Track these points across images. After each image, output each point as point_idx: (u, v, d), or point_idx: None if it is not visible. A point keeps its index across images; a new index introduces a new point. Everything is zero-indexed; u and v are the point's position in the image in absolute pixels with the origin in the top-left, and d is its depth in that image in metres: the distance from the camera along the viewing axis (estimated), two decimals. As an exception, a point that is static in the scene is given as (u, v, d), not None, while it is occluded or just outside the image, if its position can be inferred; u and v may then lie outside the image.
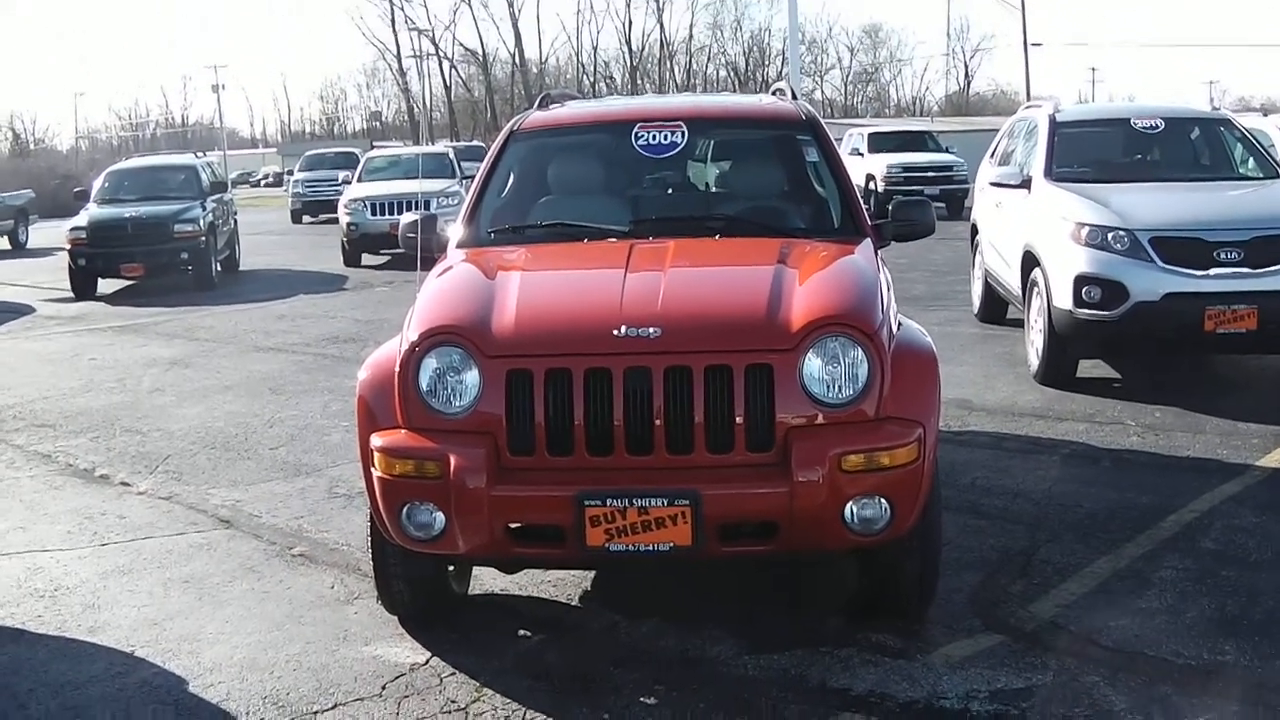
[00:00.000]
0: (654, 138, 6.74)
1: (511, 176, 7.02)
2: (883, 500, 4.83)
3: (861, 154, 32.76)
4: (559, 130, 7.29)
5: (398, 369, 5.06)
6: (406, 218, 6.81)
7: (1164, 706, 4.73)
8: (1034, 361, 10.77)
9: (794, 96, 7.79)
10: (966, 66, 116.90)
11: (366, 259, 24.04)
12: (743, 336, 4.89)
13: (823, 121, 7.23)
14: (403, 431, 5.01)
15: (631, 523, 4.70)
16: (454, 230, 6.65)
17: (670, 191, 7.18)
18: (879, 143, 34.24)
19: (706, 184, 7.62)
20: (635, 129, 6.79)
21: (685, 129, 6.79)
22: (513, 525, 4.88)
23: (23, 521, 7.67)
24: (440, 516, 4.88)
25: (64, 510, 7.89)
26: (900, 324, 5.45)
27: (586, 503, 4.70)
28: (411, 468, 4.89)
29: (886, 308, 5.29)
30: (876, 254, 6.07)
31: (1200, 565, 6.23)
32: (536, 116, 7.35)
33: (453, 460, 4.78)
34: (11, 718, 4.95)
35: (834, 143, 7.08)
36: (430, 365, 4.99)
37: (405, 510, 4.95)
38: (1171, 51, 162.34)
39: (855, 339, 4.90)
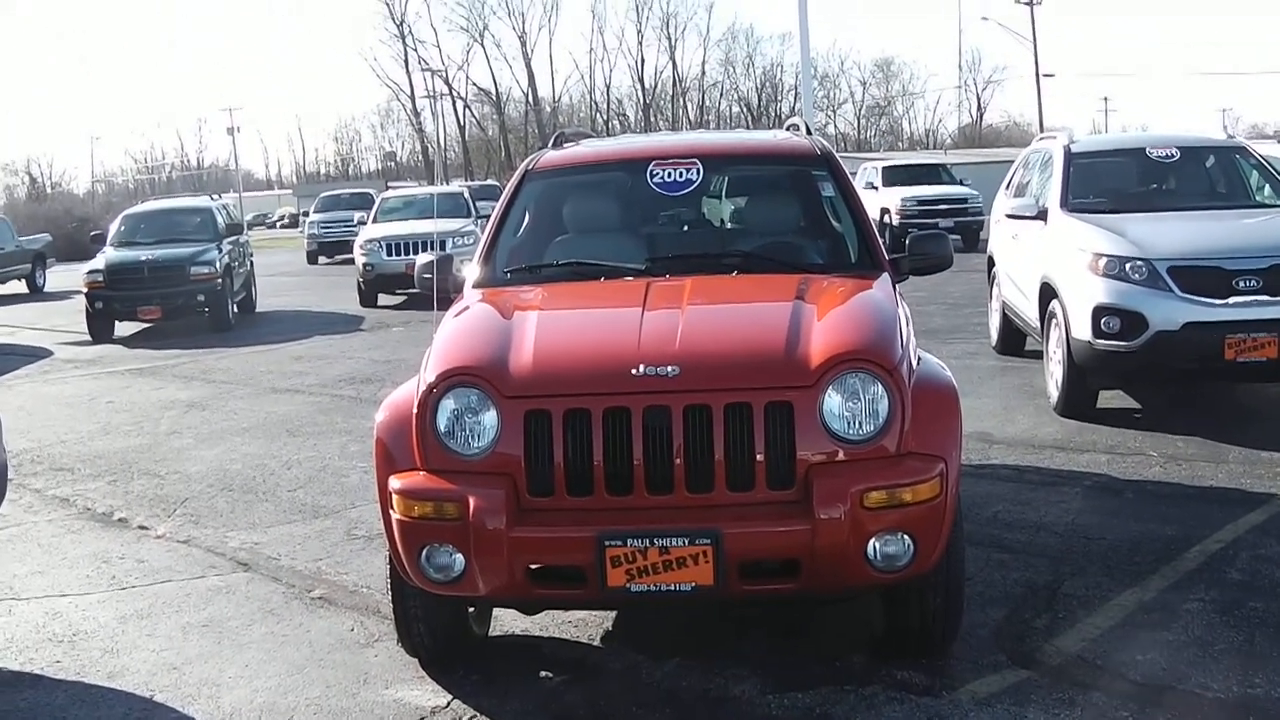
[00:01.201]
0: (669, 175, 6.73)
1: (527, 216, 7.01)
2: (906, 537, 4.79)
3: (876, 188, 32.76)
4: (574, 169, 7.28)
5: (415, 410, 5.03)
6: (422, 258, 6.80)
7: (1194, 742, 4.68)
8: (1053, 393, 10.72)
9: (808, 132, 7.77)
10: (979, 98, 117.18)
11: (383, 299, 24.06)
12: (762, 374, 4.86)
13: (837, 156, 7.21)
14: (421, 473, 4.99)
15: (653, 563, 4.66)
16: (470, 270, 6.64)
17: (686, 229, 7.17)
18: (893, 176, 34.27)
19: (722, 221, 7.60)
20: (650, 167, 6.79)
21: (700, 166, 6.78)
22: (533, 566, 4.84)
23: (41, 566, 7.66)
24: (460, 558, 4.85)
25: (82, 554, 7.87)
26: (920, 359, 5.41)
27: (607, 543, 4.66)
28: (430, 509, 4.86)
29: (906, 342, 5.26)
30: (894, 288, 6.04)
31: (1227, 597, 6.17)
32: (551, 156, 7.35)
33: (472, 502, 4.75)
34: (31, 766, 4.93)
35: (849, 177, 7.06)
36: (448, 406, 4.96)
37: (424, 552, 4.92)
38: (1184, 80, 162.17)
39: (875, 374, 4.87)
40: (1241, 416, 10.55)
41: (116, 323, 20.83)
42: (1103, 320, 9.73)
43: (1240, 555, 6.79)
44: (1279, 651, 5.48)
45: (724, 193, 7.70)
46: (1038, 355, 11.85)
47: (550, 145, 7.66)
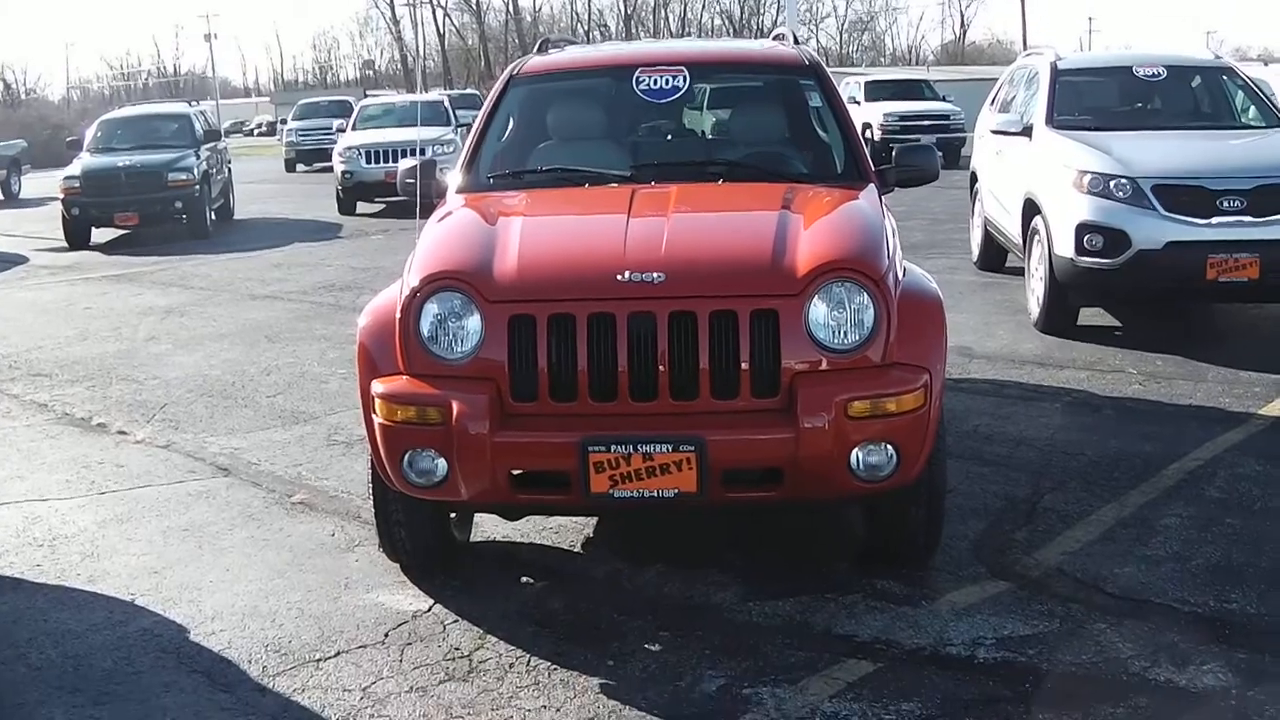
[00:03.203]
0: (655, 83, 6.66)
1: (511, 122, 6.93)
2: (889, 446, 4.79)
3: (858, 102, 32.62)
4: (559, 75, 7.20)
5: (398, 315, 5.00)
6: (405, 163, 6.74)
7: (1171, 654, 4.70)
8: (1034, 309, 10.73)
9: (795, 41, 7.70)
10: (962, 15, 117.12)
11: (361, 207, 23.94)
12: (748, 282, 4.84)
13: (824, 66, 7.15)
14: (404, 378, 4.96)
15: (636, 469, 4.65)
16: (453, 176, 6.58)
17: (672, 137, 7.10)
18: (876, 91, 34.16)
19: (708, 129, 7.55)
20: (636, 74, 6.71)
21: (687, 74, 6.70)
22: (515, 472, 4.84)
23: (20, 470, 7.63)
24: (442, 463, 4.84)
25: (61, 459, 7.84)
26: (905, 270, 5.38)
27: (590, 449, 4.65)
28: (413, 414, 4.84)
29: (892, 253, 5.23)
30: (881, 200, 6.00)
31: (1205, 513, 6.21)
32: (536, 61, 7.26)
33: (455, 406, 4.73)
34: (13, 667, 4.92)
35: (837, 87, 7.00)
36: (431, 311, 4.93)
37: (407, 457, 4.91)
38: (1169, 1, 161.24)
39: (861, 284, 4.85)
40: (1220, 336, 10.59)
41: (93, 229, 20.61)
42: (1085, 238, 9.71)
43: (1219, 473, 6.82)
44: (1255, 568, 5.52)
45: (710, 101, 7.64)
46: (1018, 271, 11.85)
47: (535, 51, 7.57)
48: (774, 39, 7.98)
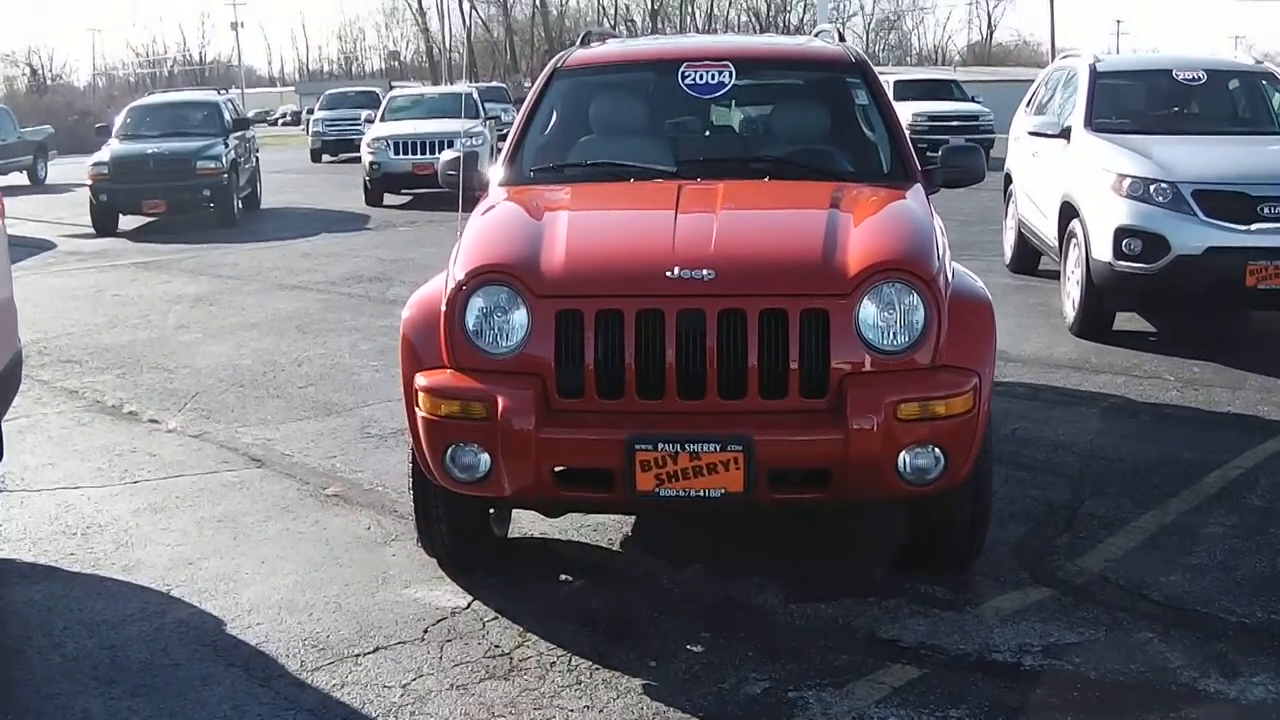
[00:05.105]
0: (701, 78, 6.59)
1: (554, 115, 6.86)
2: (937, 450, 4.74)
3: (886, 102, 32.45)
4: (603, 68, 7.13)
5: (444, 308, 4.95)
6: (447, 154, 6.67)
7: (1220, 664, 4.65)
8: (1069, 313, 10.65)
9: (840, 38, 7.63)
10: (989, 16, 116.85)
11: (388, 199, 23.85)
12: (798, 280, 4.78)
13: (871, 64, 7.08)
14: (448, 371, 4.92)
15: (683, 468, 4.60)
16: (495, 169, 6.53)
17: (718, 133, 7.06)
18: (905, 91, 33.95)
19: (754, 125, 7.48)
20: (682, 68, 6.63)
21: (733, 69, 6.62)
22: (560, 468, 4.79)
23: (51, 458, 7.61)
24: (486, 458, 4.79)
25: (93, 447, 7.82)
26: (954, 271, 5.32)
27: (637, 446, 4.60)
28: (458, 408, 4.80)
29: (942, 254, 5.18)
30: (928, 200, 5.94)
31: (1248, 522, 6.14)
32: (580, 54, 7.19)
33: (500, 401, 4.69)
34: (48, 656, 4.89)
35: (884, 85, 6.93)
36: (477, 304, 4.88)
37: (450, 451, 4.86)
38: (1198, 4, 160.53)
39: (912, 285, 4.79)
40: (1258, 343, 10.52)
41: (120, 216, 20.64)
42: (1124, 241, 9.64)
43: (1260, 481, 6.75)
44: (1303, 578, 5.46)
45: (756, 98, 7.56)
46: (1052, 275, 11.77)
47: (579, 44, 7.50)
48: (816, 35, 7.91)
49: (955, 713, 4.32)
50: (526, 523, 6.10)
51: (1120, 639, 4.87)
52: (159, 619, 5.22)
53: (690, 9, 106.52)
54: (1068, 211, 10.76)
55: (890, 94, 6.82)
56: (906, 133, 6.64)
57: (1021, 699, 4.44)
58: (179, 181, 20.30)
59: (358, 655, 4.84)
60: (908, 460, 4.71)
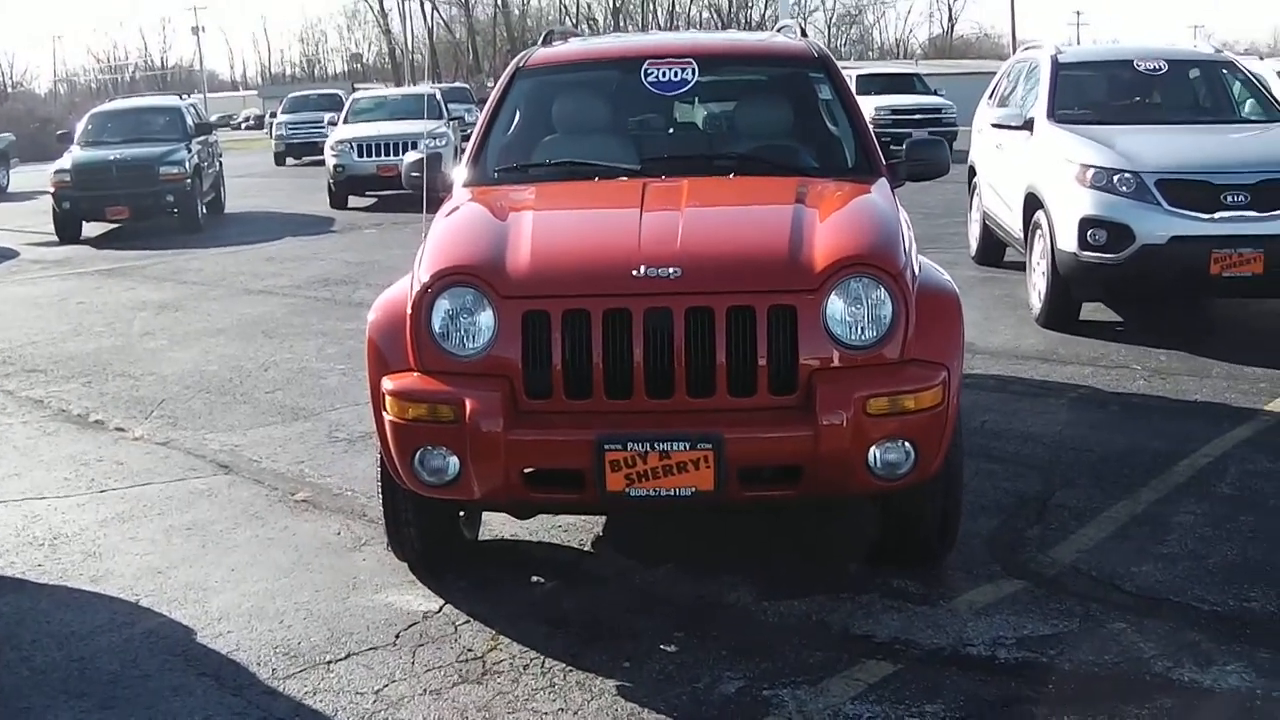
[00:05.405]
0: (664, 75, 6.56)
1: (517, 114, 6.81)
2: (907, 444, 4.73)
3: (849, 96, 32.48)
4: (566, 67, 7.09)
5: (409, 310, 4.92)
6: (411, 156, 6.64)
7: (1194, 653, 4.65)
8: (1036, 304, 10.68)
9: (802, 33, 7.62)
10: (950, 9, 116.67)
11: (353, 201, 23.75)
12: (765, 277, 4.77)
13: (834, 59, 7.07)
14: (415, 374, 4.88)
15: (652, 467, 4.58)
16: (459, 170, 6.50)
17: (681, 130, 7.04)
18: (867, 85, 33.97)
19: (718, 122, 7.46)
20: (645, 66, 6.60)
21: (696, 66, 6.60)
22: (529, 470, 4.76)
23: (17, 468, 7.54)
24: (454, 461, 4.76)
25: (59, 456, 7.75)
26: (921, 265, 5.32)
27: (607, 446, 4.58)
28: (425, 411, 4.77)
29: (908, 248, 5.17)
30: (893, 193, 5.94)
31: (1218, 510, 6.15)
32: (542, 53, 7.15)
33: (468, 403, 4.66)
34: (16, 670, 4.84)
35: (847, 80, 6.93)
36: (443, 306, 4.85)
37: (418, 455, 4.83)
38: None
39: (879, 279, 4.78)
40: (1223, 331, 10.55)
41: (84, 223, 20.49)
42: (1089, 232, 9.67)
43: (1229, 470, 6.77)
44: (1273, 566, 5.47)
45: (719, 94, 7.54)
46: (1017, 266, 11.80)
47: (540, 43, 7.47)
48: (778, 30, 7.89)
49: (931, 707, 4.32)
50: (497, 525, 6.07)
51: (1093, 630, 4.88)
52: (128, 629, 5.17)
53: (652, 7, 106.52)
54: (1032, 203, 10.78)
55: (853, 88, 6.80)
56: (870, 127, 6.63)
57: (997, 692, 4.43)
58: (142, 188, 20.13)
59: (329, 662, 4.81)
60: (878, 455, 4.71)
